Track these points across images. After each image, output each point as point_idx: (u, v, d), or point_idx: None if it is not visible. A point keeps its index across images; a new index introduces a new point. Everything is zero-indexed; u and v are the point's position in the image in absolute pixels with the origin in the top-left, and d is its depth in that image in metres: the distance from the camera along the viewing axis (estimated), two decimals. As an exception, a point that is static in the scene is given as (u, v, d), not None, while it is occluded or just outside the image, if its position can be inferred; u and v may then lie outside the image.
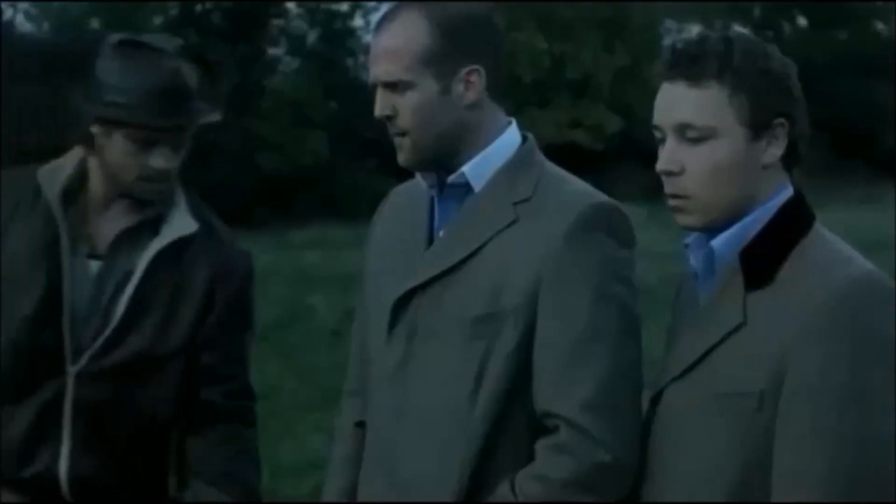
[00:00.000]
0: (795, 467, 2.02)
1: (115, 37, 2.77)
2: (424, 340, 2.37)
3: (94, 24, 25.71)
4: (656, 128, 2.18)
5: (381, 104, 2.38)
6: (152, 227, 2.81)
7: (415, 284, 2.38)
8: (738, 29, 2.27)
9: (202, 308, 2.80)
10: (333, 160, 25.17)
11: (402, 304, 2.39)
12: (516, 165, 2.39)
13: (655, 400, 2.22)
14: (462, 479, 2.30)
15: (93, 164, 2.83)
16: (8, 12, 24.39)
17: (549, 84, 26.21)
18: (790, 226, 2.14)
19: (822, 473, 2.00)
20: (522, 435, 2.30)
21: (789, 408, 2.03)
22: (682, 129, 2.13)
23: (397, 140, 2.40)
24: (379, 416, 2.42)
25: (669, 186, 2.16)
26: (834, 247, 2.14)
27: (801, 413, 2.02)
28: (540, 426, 2.29)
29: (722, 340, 2.11)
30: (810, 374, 2.02)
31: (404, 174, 2.59)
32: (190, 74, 2.79)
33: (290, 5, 28.27)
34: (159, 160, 2.73)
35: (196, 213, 2.86)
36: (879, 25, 30.14)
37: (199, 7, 27.32)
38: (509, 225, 2.33)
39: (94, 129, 2.77)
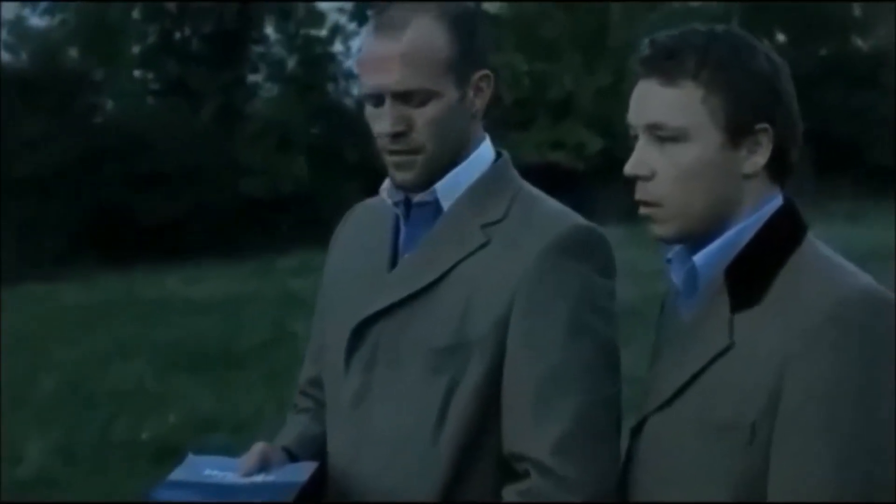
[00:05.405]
0: (802, 475, 1.81)
1: None
2: (384, 371, 2.16)
3: (72, 52, 25.64)
4: (630, 126, 1.99)
5: (395, 118, 2.11)
6: None
7: (375, 310, 2.17)
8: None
9: None
10: (316, 184, 25.09)
11: (362, 330, 2.18)
12: (488, 184, 2.18)
13: (637, 430, 2.01)
14: None
15: None
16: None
17: (529, 105, 26.18)
18: (780, 238, 1.94)
19: (832, 480, 1.80)
20: (490, 471, 2.11)
21: (793, 420, 1.82)
22: (652, 130, 1.95)
23: (404, 159, 2.14)
24: (337, 449, 2.22)
25: (639, 192, 1.97)
26: (830, 259, 1.94)
27: (807, 424, 1.81)
28: (509, 465, 2.10)
29: (708, 365, 1.90)
30: (819, 382, 1.81)
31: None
32: None
33: (270, 31, 28.24)
34: None
35: None
36: (858, 40, 30.23)
37: (178, 35, 27.25)
38: (479, 248, 2.12)
39: None
